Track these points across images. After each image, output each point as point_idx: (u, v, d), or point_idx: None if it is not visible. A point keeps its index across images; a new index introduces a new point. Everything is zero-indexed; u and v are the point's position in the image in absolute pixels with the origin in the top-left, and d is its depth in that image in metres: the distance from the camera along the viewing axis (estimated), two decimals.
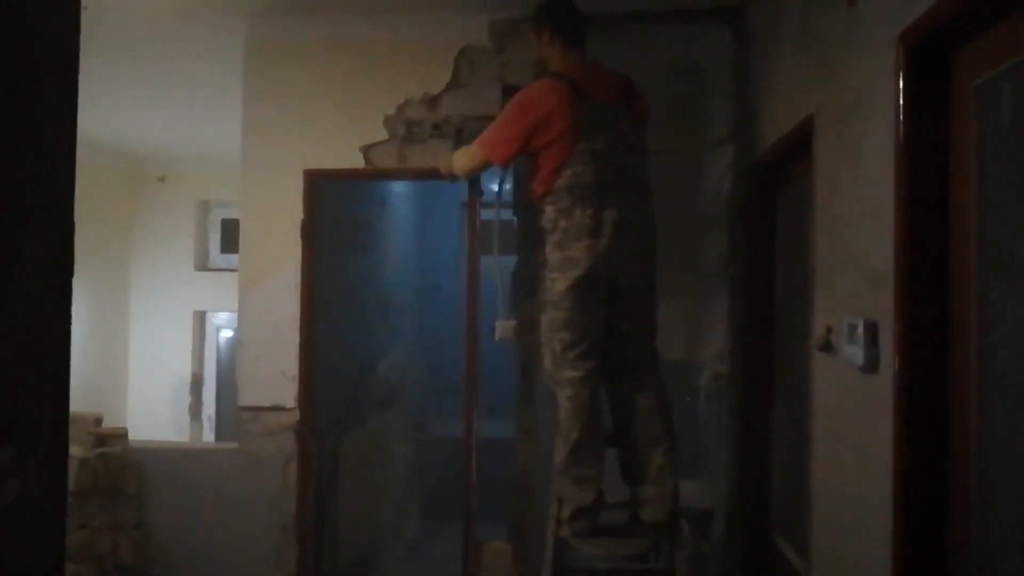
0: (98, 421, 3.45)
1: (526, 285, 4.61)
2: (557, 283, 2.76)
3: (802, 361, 2.65)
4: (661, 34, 3.76)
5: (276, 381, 3.64)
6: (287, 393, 3.63)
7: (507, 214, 4.59)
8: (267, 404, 3.64)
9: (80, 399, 5.48)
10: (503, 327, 3.42)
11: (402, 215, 5.90)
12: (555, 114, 2.73)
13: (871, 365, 1.94)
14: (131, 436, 6.84)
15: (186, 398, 6.87)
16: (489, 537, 3.68)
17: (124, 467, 3.48)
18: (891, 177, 1.85)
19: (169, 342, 6.95)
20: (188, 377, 6.95)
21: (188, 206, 7.09)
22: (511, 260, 4.86)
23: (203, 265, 7.14)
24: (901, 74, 1.82)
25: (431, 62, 3.60)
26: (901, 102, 1.82)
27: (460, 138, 3.57)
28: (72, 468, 3.19)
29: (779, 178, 3.15)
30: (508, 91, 3.56)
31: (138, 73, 4.60)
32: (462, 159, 3.06)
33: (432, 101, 3.60)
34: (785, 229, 3.16)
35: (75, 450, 3.25)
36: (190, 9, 3.56)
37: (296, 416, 3.62)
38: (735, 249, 3.52)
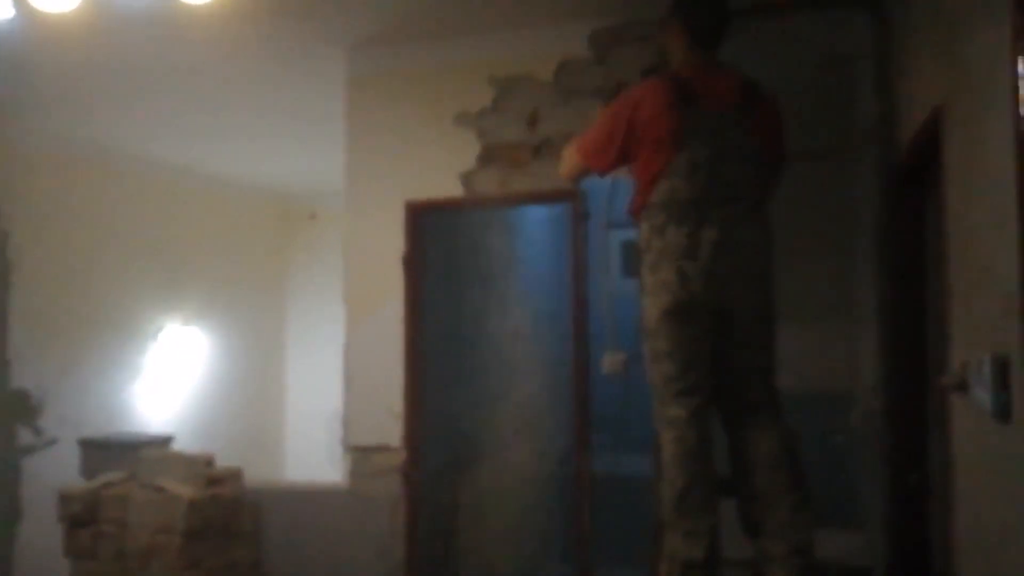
0: (210, 462, 3.51)
1: None
2: (651, 309, 2.46)
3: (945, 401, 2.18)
4: (797, 24, 3.35)
5: (383, 419, 3.55)
6: (394, 432, 3.53)
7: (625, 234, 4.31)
8: (375, 444, 3.55)
9: (243, 430, 5.75)
10: (611, 360, 3.12)
11: (537, 241, 5.71)
12: (654, 119, 2.42)
13: (1002, 413, 1.50)
14: (289, 467, 7.22)
15: (339, 431, 7.01)
16: None
17: (239, 507, 3.51)
18: (1013, 175, 1.43)
19: (323, 375, 7.14)
20: (341, 410, 7.10)
21: (337, 241, 7.30)
22: (626, 284, 4.57)
23: None
24: (1021, 46, 1.40)
25: (528, 80, 3.39)
26: (1021, 82, 1.40)
27: None
28: (181, 509, 3.24)
29: (923, 183, 2.66)
30: None
31: (268, 116, 4.77)
32: (563, 162, 2.83)
33: (531, 121, 3.39)
34: (934, 243, 2.66)
35: (185, 491, 3.31)
36: (289, 45, 3.59)
37: (403, 456, 3.50)
38: (883, 266, 3.03)
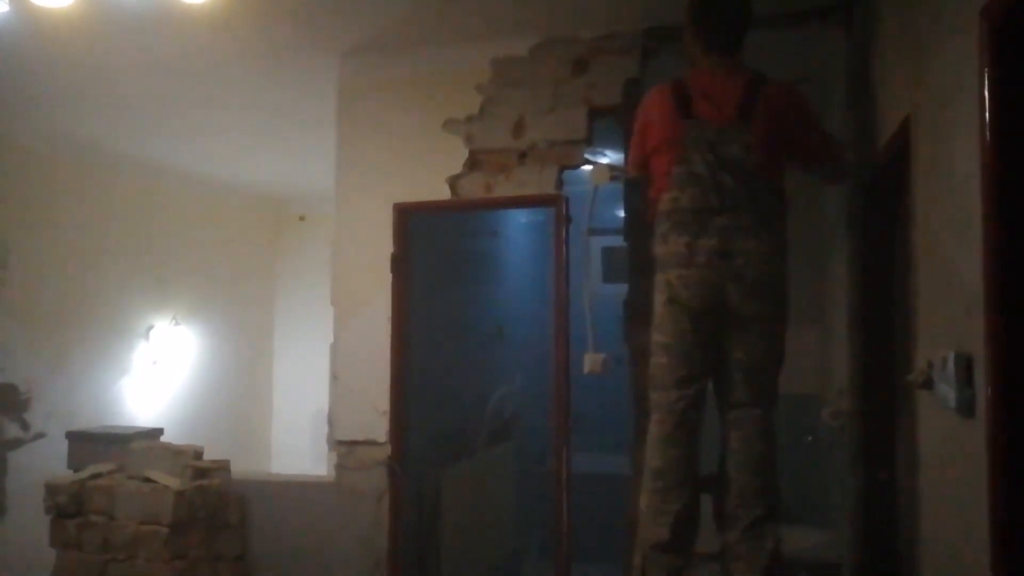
0: (198, 454, 3.57)
1: (639, 314, 4.41)
2: (656, 305, 2.60)
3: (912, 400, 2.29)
4: (769, 41, 3.45)
5: (369, 415, 3.62)
6: (379, 428, 3.61)
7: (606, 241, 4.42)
8: (361, 438, 3.63)
9: (231, 427, 5.82)
10: (592, 359, 3.23)
11: (520, 245, 5.82)
12: (657, 127, 2.55)
13: (966, 408, 1.61)
14: (275, 462, 7.28)
15: (324, 428, 7.08)
16: None
17: (225, 499, 3.57)
18: (978, 181, 1.54)
19: (309, 372, 7.19)
20: (326, 408, 7.16)
21: (326, 243, 7.36)
22: (606, 288, 4.67)
23: None
24: (986, 59, 1.51)
25: (511, 87, 3.50)
26: (987, 93, 1.51)
27: None
28: (168, 500, 3.30)
29: (893, 191, 2.78)
30: (593, 113, 3.41)
31: (260, 120, 4.84)
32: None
33: (517, 128, 3.49)
34: (902, 249, 2.77)
35: (172, 482, 3.36)
36: (284, 51, 3.67)
37: (388, 451, 3.58)
38: (854, 272, 3.14)
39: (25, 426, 4.72)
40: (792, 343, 3.63)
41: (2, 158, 4.63)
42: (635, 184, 2.96)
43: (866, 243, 2.97)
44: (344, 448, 3.67)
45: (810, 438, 3.63)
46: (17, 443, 4.67)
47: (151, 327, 5.93)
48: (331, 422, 3.77)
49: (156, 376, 5.93)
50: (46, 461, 4.38)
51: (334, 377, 3.76)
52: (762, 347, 2.58)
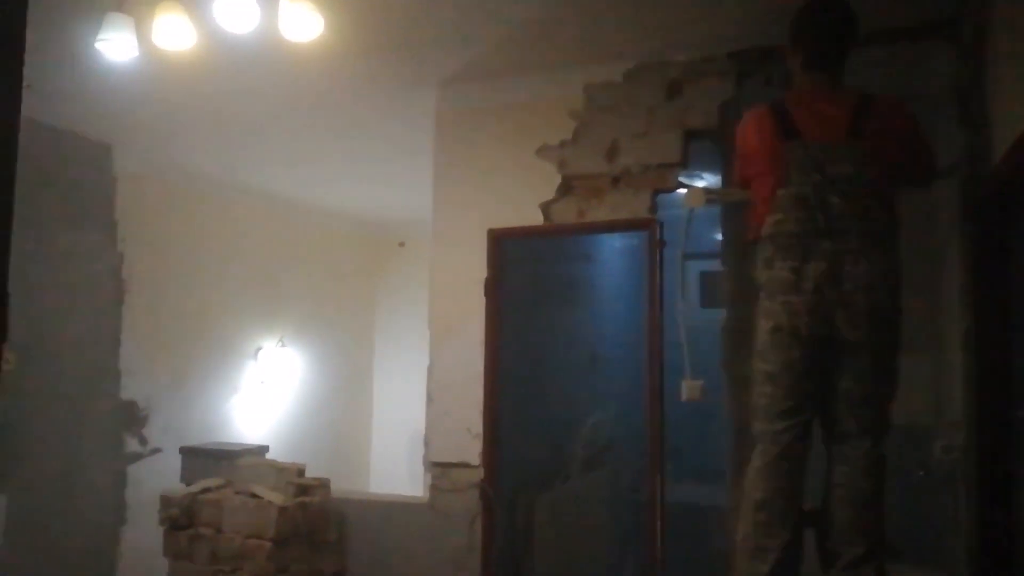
0: (300, 472, 3.69)
1: (738, 340, 4.30)
2: (760, 332, 2.54)
3: None
4: (873, 58, 3.35)
5: (463, 438, 3.67)
6: (473, 451, 3.65)
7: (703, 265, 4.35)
8: (455, 460, 3.68)
9: (332, 446, 6.01)
10: (690, 387, 3.16)
11: (614, 270, 5.79)
12: (757, 152, 2.54)
13: None
14: (373, 483, 7.44)
15: (421, 450, 7.18)
16: None
17: (325, 516, 3.67)
18: None
19: (407, 394, 7.33)
20: (422, 430, 7.27)
21: (424, 268, 7.52)
22: (703, 314, 4.58)
23: None
24: None
25: (605, 112, 3.51)
26: None
27: None
28: (272, 515, 3.42)
29: (1009, 212, 2.63)
30: (689, 136, 3.39)
31: (363, 149, 5.02)
32: None
33: (610, 153, 3.49)
34: (1019, 274, 2.62)
35: (276, 498, 3.49)
36: (384, 82, 3.81)
37: (481, 474, 3.61)
38: (967, 297, 2.99)
39: (143, 441, 5.00)
40: (903, 372, 3.48)
41: (125, 188, 4.95)
42: (735, 207, 2.94)
43: (980, 266, 2.82)
44: (438, 470, 3.73)
45: (922, 473, 3.44)
46: (136, 457, 4.94)
47: (259, 348, 6.19)
48: (426, 443, 3.83)
49: (263, 395, 6.18)
50: (161, 475, 4.61)
51: (430, 399, 3.83)
52: (872, 376, 2.48)
